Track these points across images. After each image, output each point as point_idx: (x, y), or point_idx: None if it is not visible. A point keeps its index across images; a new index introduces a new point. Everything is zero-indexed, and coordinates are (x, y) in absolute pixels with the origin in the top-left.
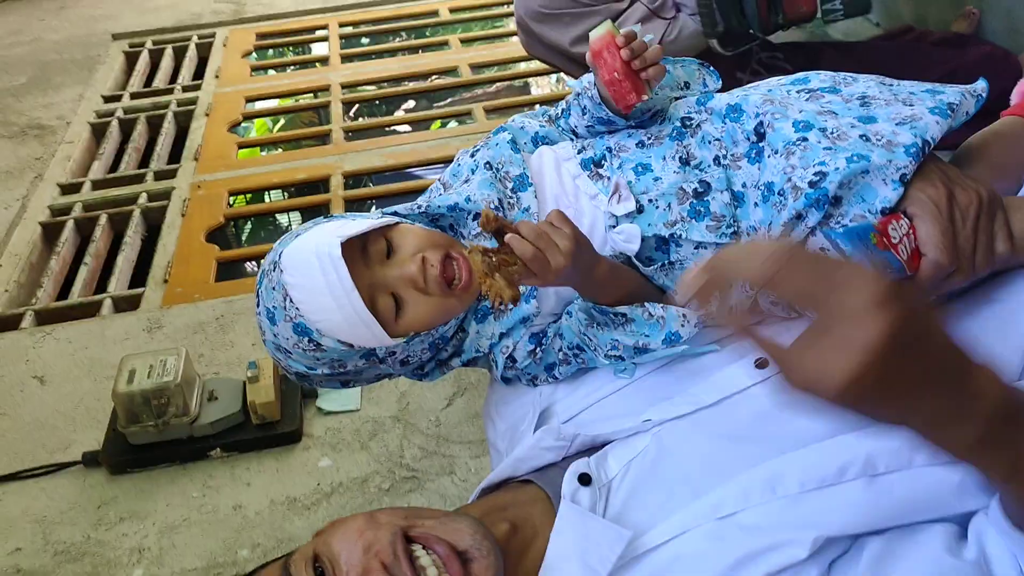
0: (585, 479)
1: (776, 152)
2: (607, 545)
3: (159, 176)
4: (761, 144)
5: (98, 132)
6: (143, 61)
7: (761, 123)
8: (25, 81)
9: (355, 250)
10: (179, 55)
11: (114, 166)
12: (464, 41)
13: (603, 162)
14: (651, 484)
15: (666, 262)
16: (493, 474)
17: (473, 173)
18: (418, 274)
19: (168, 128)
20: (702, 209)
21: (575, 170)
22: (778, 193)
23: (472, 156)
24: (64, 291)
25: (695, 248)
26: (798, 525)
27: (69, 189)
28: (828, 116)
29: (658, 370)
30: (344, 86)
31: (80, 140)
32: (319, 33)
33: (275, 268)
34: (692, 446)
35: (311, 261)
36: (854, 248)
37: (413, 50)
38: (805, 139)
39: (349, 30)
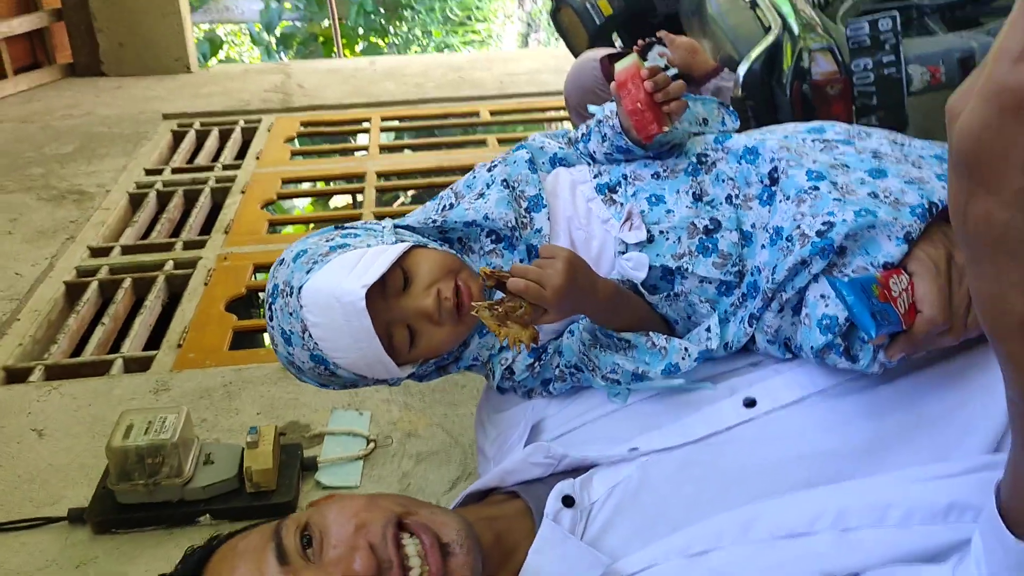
0: (568, 501)
1: (788, 198)
2: (583, 569)
3: (188, 246)
4: (774, 188)
5: (135, 201)
6: (189, 140)
7: (776, 168)
8: (72, 150)
9: (374, 286)
10: (224, 137)
11: (146, 234)
12: (502, 141)
13: (618, 188)
14: (630, 513)
15: (670, 293)
16: (480, 481)
17: (488, 188)
18: (434, 309)
19: (204, 202)
20: (710, 245)
21: (590, 193)
22: (786, 238)
23: (489, 171)
24: (79, 349)
25: (699, 282)
26: (764, 570)
27: (99, 252)
28: (840, 170)
29: (650, 399)
30: (380, 174)
31: (117, 208)
32: (362, 125)
33: (292, 295)
34: (674, 481)
35: (333, 306)
36: (856, 297)
37: (451, 146)
38: (817, 188)
39: (391, 123)
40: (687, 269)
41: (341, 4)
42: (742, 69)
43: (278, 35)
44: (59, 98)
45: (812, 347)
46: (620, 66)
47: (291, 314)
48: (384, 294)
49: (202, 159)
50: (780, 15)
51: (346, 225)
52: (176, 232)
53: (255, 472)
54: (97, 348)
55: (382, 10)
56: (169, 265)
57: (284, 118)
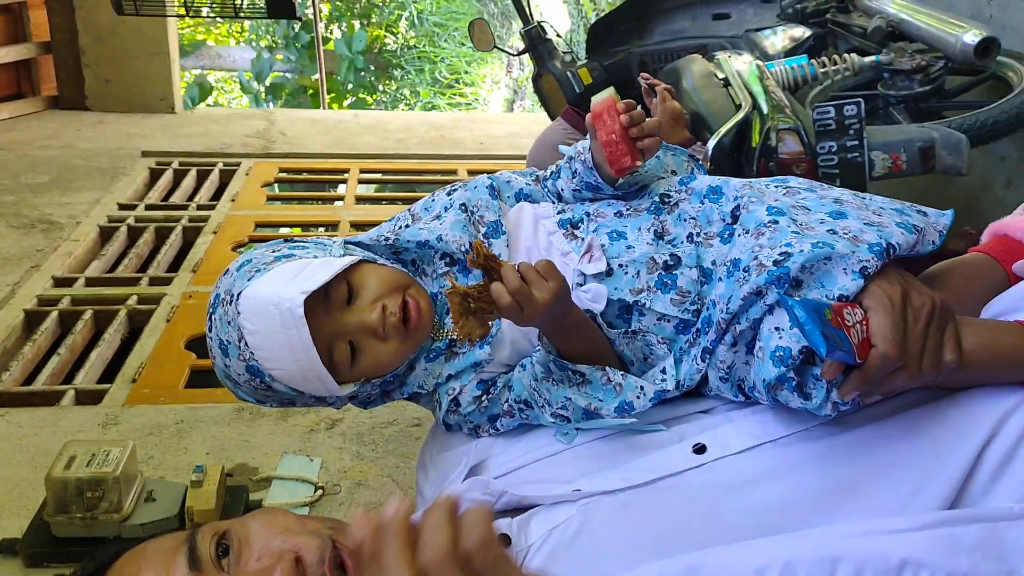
0: (505, 540)
1: (747, 231)
2: None
3: (154, 282)
4: (735, 226)
5: (105, 235)
6: (166, 178)
7: (738, 206)
8: (47, 180)
9: (316, 296)
10: (202, 177)
11: (113, 268)
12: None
13: (580, 224)
14: (567, 557)
15: (628, 330)
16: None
17: (446, 211)
18: (378, 324)
19: (174, 240)
20: (669, 282)
21: (552, 227)
22: (743, 269)
23: (449, 195)
24: (31, 378)
25: (657, 320)
26: None
27: (62, 282)
28: (801, 210)
29: (598, 440)
30: (354, 224)
31: (85, 240)
32: (341, 175)
33: (231, 303)
34: (614, 525)
35: (271, 313)
36: (809, 317)
37: None
38: (776, 222)
39: (369, 175)
40: (645, 304)
41: (331, 59)
42: (712, 143)
43: (267, 85)
44: (40, 128)
45: (764, 380)
46: (597, 99)
47: (229, 323)
48: (327, 307)
49: (177, 198)
50: (751, 94)
51: (295, 238)
52: (143, 268)
53: (197, 512)
54: (50, 378)
55: (372, 67)
56: (132, 300)
57: (263, 163)
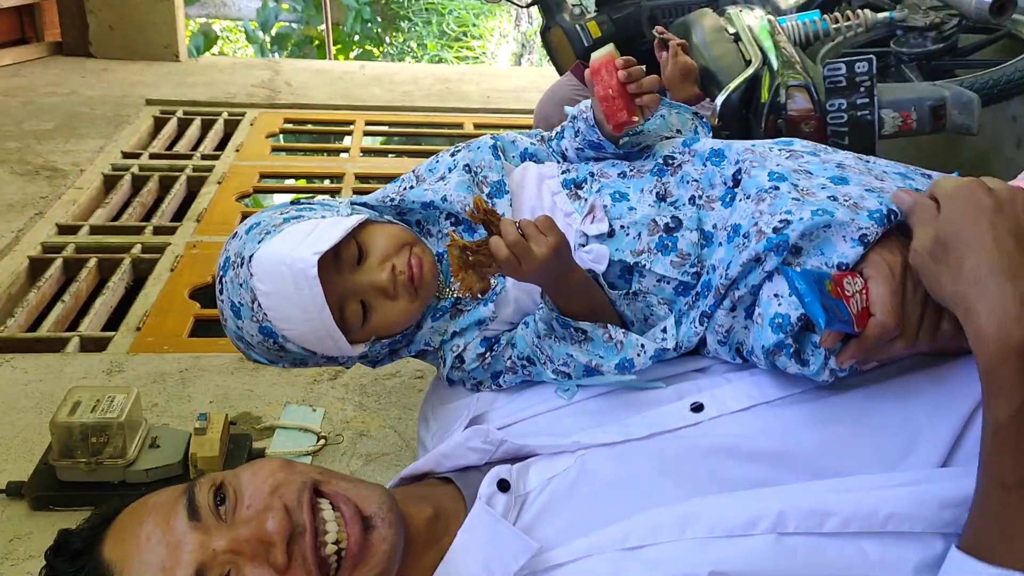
0: (504, 485)
1: (748, 197)
2: (512, 554)
3: (158, 231)
4: (736, 189)
5: (109, 183)
6: (170, 127)
7: (740, 170)
8: (51, 127)
9: (327, 257)
10: (206, 127)
11: (117, 216)
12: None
13: (584, 184)
14: (566, 504)
15: (629, 291)
16: (415, 464)
17: (450, 172)
18: (388, 283)
19: (179, 189)
20: (670, 244)
21: (556, 187)
22: (743, 235)
23: (452, 156)
24: (36, 325)
25: (657, 281)
26: (699, 566)
27: (66, 230)
28: (803, 175)
29: (597, 396)
30: (358, 176)
31: (89, 188)
32: (346, 127)
33: (242, 265)
34: (612, 474)
35: (284, 274)
36: (808, 288)
37: (432, 155)
38: (777, 188)
39: (375, 127)
40: (645, 266)
41: (338, 9)
42: (720, 99)
43: (273, 35)
44: (44, 75)
45: (763, 347)
46: (596, 55)
47: (241, 285)
48: (338, 267)
49: (181, 147)
50: (761, 50)
51: (302, 200)
52: (147, 217)
53: (200, 459)
54: (55, 325)
55: (379, 19)
56: (137, 248)
57: (268, 113)
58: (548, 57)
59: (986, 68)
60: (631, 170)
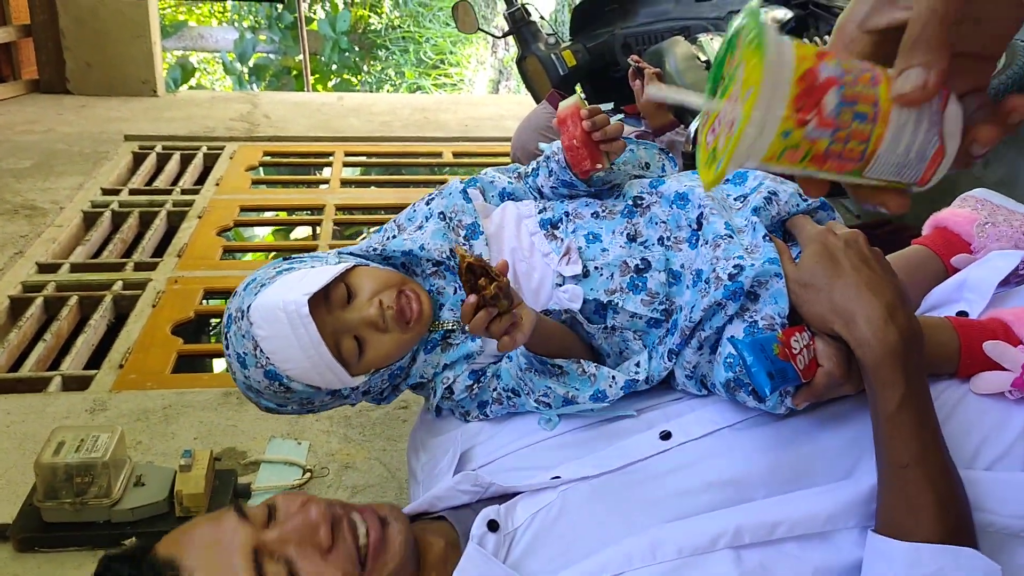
0: (493, 525)
1: (707, 243)
2: None
3: (139, 267)
4: (699, 232)
5: (89, 220)
6: (149, 162)
7: (702, 214)
8: (29, 165)
9: (318, 299)
10: (185, 162)
11: (98, 254)
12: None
13: (559, 225)
14: (550, 538)
15: (605, 326)
16: (411, 506)
17: (427, 221)
18: (377, 316)
19: (159, 224)
20: (640, 284)
21: (533, 228)
22: (704, 280)
23: (427, 204)
24: (17, 365)
25: (630, 317)
26: None
27: (47, 268)
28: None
29: (576, 430)
30: (339, 207)
31: (69, 225)
32: (325, 159)
33: (243, 317)
34: (590, 508)
35: (280, 318)
36: (755, 358)
37: (413, 185)
38: (731, 236)
39: (354, 159)
40: (618, 304)
41: (316, 40)
42: (694, 126)
43: (251, 66)
44: (21, 113)
45: (721, 382)
46: (563, 104)
47: (243, 336)
48: (329, 307)
49: (161, 182)
50: None
51: (294, 256)
52: (128, 253)
53: (186, 496)
54: (36, 364)
55: (357, 48)
56: (118, 285)
57: (247, 147)
58: (524, 85)
59: None
60: (603, 210)
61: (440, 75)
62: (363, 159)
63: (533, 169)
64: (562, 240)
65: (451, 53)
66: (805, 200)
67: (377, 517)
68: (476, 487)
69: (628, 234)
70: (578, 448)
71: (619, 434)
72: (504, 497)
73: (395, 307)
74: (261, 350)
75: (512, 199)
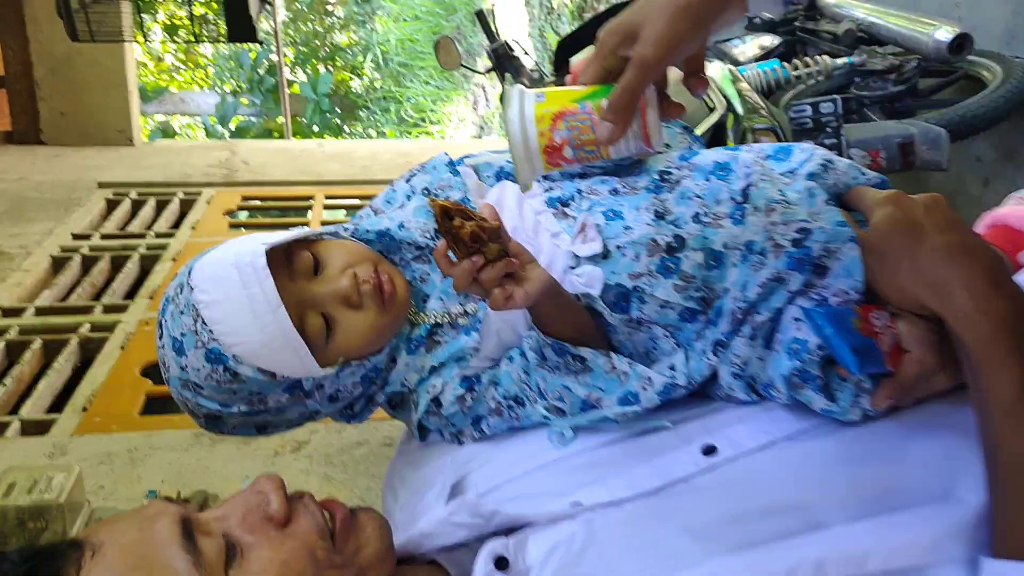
0: (502, 563)
1: (757, 209)
2: None
3: (108, 309)
4: (747, 205)
5: (58, 264)
6: (123, 208)
7: (750, 184)
8: None
9: (279, 265)
10: (161, 207)
11: (66, 297)
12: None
13: (571, 202)
14: None
15: (628, 319)
16: None
17: (409, 199)
18: (351, 289)
19: (131, 267)
20: (672, 266)
21: (539, 206)
22: (758, 252)
23: (408, 181)
24: None
25: (660, 307)
26: None
27: (10, 312)
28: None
29: (596, 447)
30: None
31: (36, 270)
32: (306, 202)
33: (183, 289)
34: (624, 539)
35: (230, 274)
36: (833, 329)
37: None
38: (788, 202)
39: (336, 202)
40: (645, 291)
41: (297, 102)
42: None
43: (232, 129)
44: None
45: (782, 376)
46: (577, 58)
47: (182, 312)
48: (291, 274)
49: (135, 227)
50: (725, 97)
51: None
52: (98, 297)
53: None
54: None
55: (338, 109)
56: (85, 328)
57: (225, 192)
58: None
59: (948, 107)
60: (623, 186)
61: (421, 133)
62: (344, 202)
63: None
64: (574, 218)
65: (432, 111)
66: (863, 173)
67: (341, 505)
68: (476, 518)
69: (656, 211)
70: (601, 468)
71: (651, 450)
72: (510, 530)
73: (372, 282)
74: (203, 322)
75: (511, 180)
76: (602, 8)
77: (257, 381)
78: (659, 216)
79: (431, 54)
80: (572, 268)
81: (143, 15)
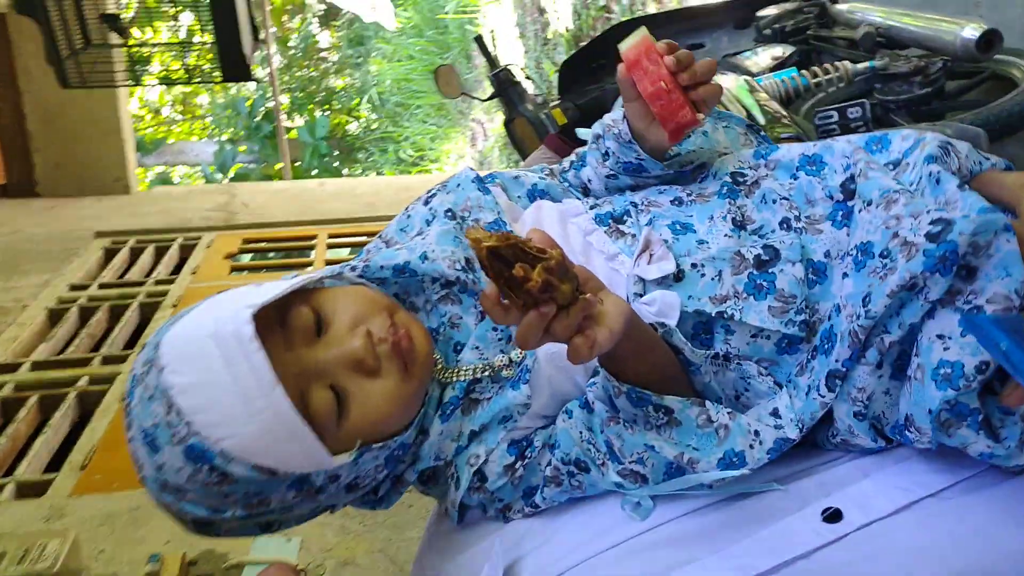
0: None
1: (870, 203)
2: None
3: (107, 361)
4: (851, 203)
5: (54, 317)
6: (121, 257)
7: (852, 176)
8: None
9: (271, 328)
10: (160, 254)
11: (63, 350)
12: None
13: (625, 218)
14: None
15: (712, 356)
16: None
17: (429, 225)
18: (365, 351)
19: (131, 316)
20: (765, 284)
21: (587, 225)
22: (880, 255)
23: (426, 204)
24: None
25: (752, 337)
26: None
27: (5, 369)
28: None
29: (683, 516)
30: None
31: (33, 323)
32: (309, 242)
33: (151, 368)
34: None
35: (207, 349)
36: (1011, 342)
37: None
38: (909, 192)
39: (340, 240)
40: (733, 317)
41: (295, 147)
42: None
43: (232, 176)
44: None
45: (929, 412)
46: (627, 44)
47: (151, 397)
48: (288, 341)
49: (134, 275)
50: (744, 108)
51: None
52: (97, 348)
53: None
54: None
55: (336, 152)
56: (83, 381)
57: (226, 235)
58: (514, 148)
59: (981, 107)
60: (688, 195)
61: (420, 172)
62: (348, 240)
63: (573, 162)
64: (633, 236)
65: (430, 149)
66: (987, 158)
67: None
68: None
69: (733, 219)
70: (692, 545)
71: (756, 519)
72: None
73: (391, 339)
74: (178, 411)
75: (547, 198)
76: (599, 31)
77: (254, 480)
78: (738, 225)
79: (427, 93)
80: (639, 296)
81: (136, 66)
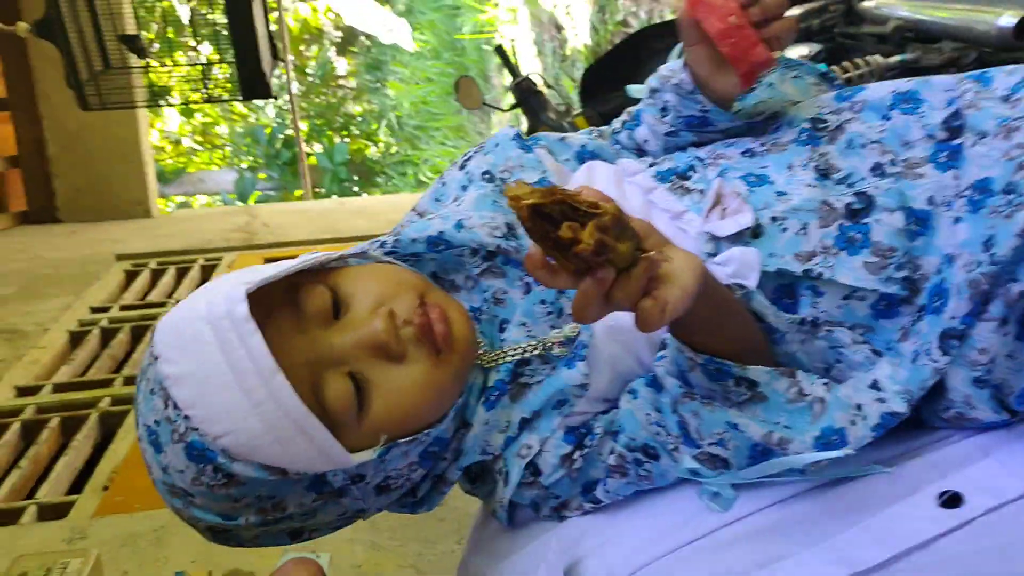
0: None
1: (984, 135)
2: None
3: (129, 381)
4: (956, 141)
5: (76, 339)
6: (142, 279)
7: (957, 111)
8: (11, 292)
9: (283, 310)
10: (181, 275)
11: (85, 372)
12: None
13: (691, 174)
14: None
15: (798, 322)
16: None
17: (465, 191)
18: (386, 333)
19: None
20: (858, 236)
21: (648, 183)
22: (1003, 191)
23: (462, 168)
24: None
25: (844, 299)
26: None
27: (26, 391)
28: None
29: (770, 507)
30: None
31: (54, 346)
32: None
33: (150, 364)
34: None
35: (201, 333)
36: None
37: None
38: None
39: None
40: (821, 275)
41: (314, 173)
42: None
43: (252, 204)
44: (9, 246)
45: None
46: None
47: (152, 391)
48: (300, 323)
49: (155, 296)
50: None
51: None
52: (119, 370)
53: None
54: (10, 494)
55: (355, 177)
56: (105, 402)
57: (247, 255)
58: None
59: None
60: (761, 145)
61: None
62: None
63: (626, 121)
64: (700, 191)
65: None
66: None
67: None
68: None
69: (817, 167)
70: (785, 537)
71: (858, 506)
72: None
73: (417, 320)
74: (175, 404)
75: (597, 159)
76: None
77: (264, 482)
78: (822, 174)
79: (445, 114)
80: (711, 255)
81: (156, 96)
